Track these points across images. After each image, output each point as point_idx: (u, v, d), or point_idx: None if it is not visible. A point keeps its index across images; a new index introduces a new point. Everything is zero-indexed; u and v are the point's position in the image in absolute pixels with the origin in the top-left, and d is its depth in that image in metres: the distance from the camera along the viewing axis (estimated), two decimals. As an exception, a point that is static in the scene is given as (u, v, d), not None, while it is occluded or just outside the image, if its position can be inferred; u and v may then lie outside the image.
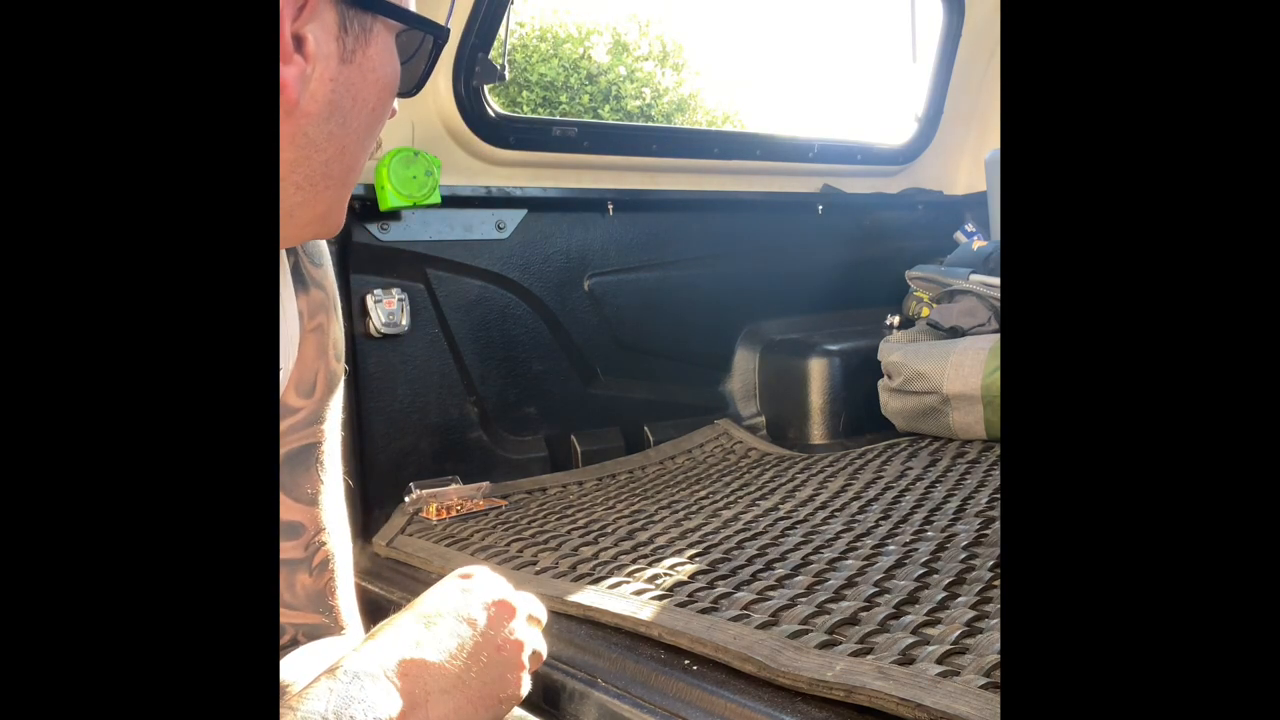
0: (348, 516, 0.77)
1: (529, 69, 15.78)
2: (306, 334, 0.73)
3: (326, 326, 0.74)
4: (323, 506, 0.73)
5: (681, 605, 1.12)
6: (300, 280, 0.73)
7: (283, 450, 0.71)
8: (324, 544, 0.73)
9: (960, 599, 1.09)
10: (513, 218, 1.95)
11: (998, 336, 2.00)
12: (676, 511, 1.60)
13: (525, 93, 15.77)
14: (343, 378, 0.77)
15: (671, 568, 1.27)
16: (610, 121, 11.29)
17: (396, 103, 0.66)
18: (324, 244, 0.76)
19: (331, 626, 0.73)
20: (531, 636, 0.74)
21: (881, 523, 1.44)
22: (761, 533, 1.43)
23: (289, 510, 0.71)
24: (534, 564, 1.36)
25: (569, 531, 1.51)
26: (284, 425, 0.71)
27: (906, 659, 0.93)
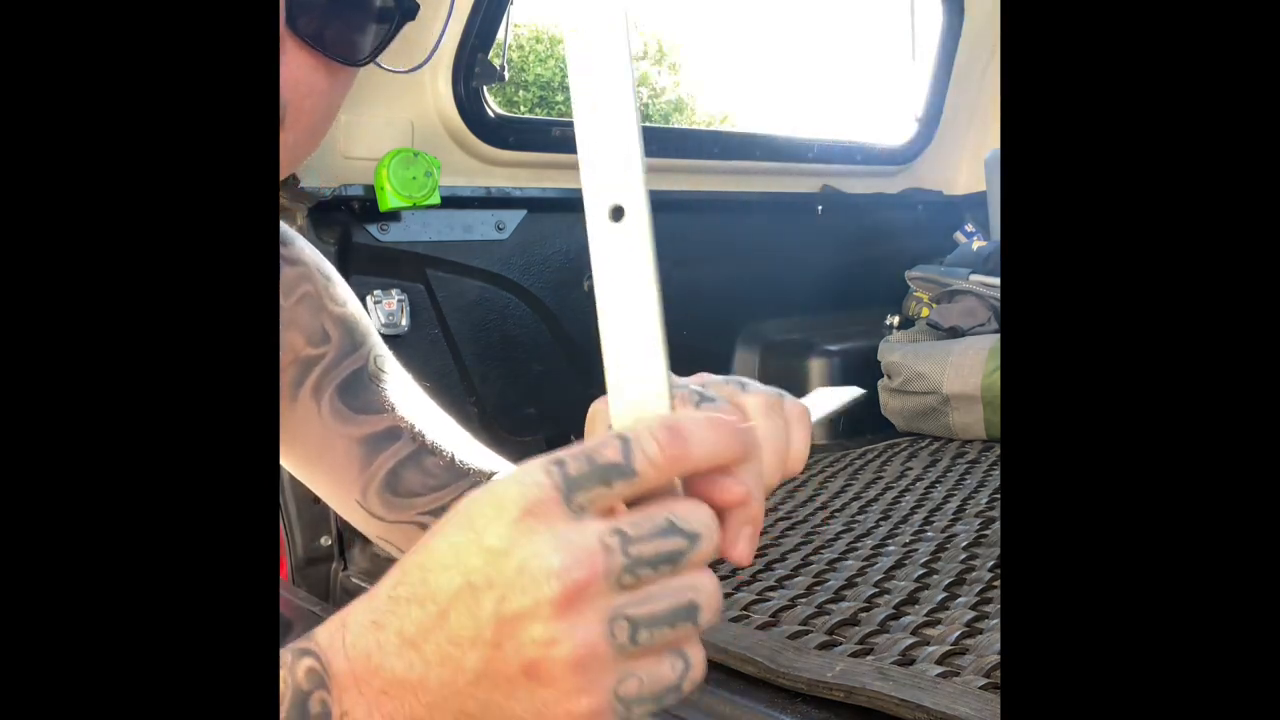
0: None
1: (525, 69, 15.77)
2: (292, 309, 0.77)
3: (312, 290, 0.79)
4: (404, 409, 0.79)
5: (681, 606, 1.12)
6: None
7: (336, 382, 0.77)
8: (425, 432, 0.78)
9: (960, 599, 1.09)
10: (512, 218, 1.95)
11: (998, 336, 2.00)
12: (676, 512, 1.59)
13: (521, 93, 15.75)
14: (364, 318, 0.82)
15: (671, 568, 1.27)
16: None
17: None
18: (283, 224, 0.80)
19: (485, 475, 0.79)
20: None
21: (881, 523, 1.44)
22: (761, 533, 1.43)
23: (376, 424, 0.76)
24: (534, 564, 1.36)
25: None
26: (319, 371, 0.77)
27: (906, 659, 0.93)
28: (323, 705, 0.40)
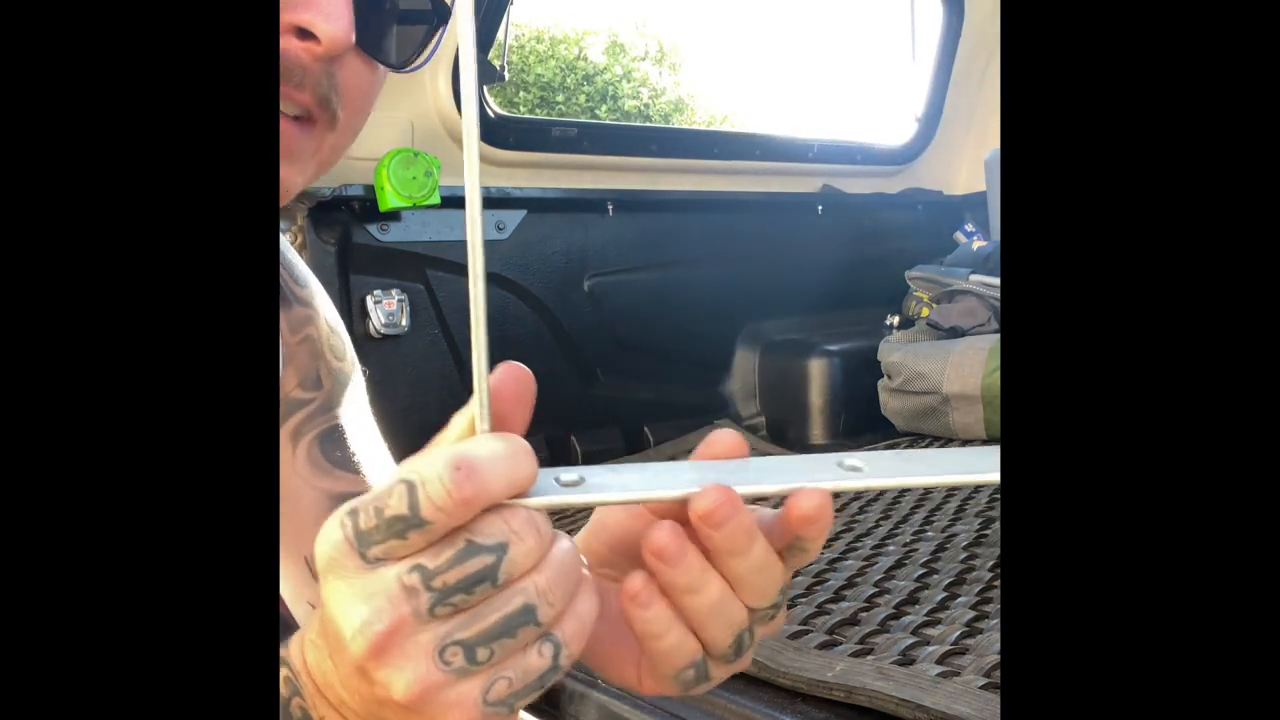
0: None
1: (526, 70, 15.78)
2: (294, 347, 0.76)
3: (315, 335, 0.78)
4: (377, 476, 0.77)
5: (682, 606, 1.12)
6: (284, 299, 0.76)
7: (318, 430, 0.75)
8: None
9: (960, 599, 1.09)
10: (512, 218, 1.95)
11: (998, 336, 2.00)
12: (676, 512, 1.59)
13: (522, 93, 15.76)
14: (356, 375, 0.80)
15: (671, 568, 1.27)
16: (610, 122, 11.28)
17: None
18: (304, 266, 0.81)
19: None
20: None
21: (881, 523, 1.44)
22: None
23: (352, 484, 0.74)
24: (534, 564, 1.36)
25: (569, 533, 1.51)
26: (303, 415, 0.75)
27: (906, 659, 0.93)
28: (302, 711, 0.43)
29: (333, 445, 0.75)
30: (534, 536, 0.37)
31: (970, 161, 2.71)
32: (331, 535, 0.37)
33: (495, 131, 1.92)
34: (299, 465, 0.75)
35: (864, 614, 1.06)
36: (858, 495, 1.62)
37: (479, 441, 0.37)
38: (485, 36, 1.85)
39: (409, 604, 0.36)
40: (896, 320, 2.30)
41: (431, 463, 0.36)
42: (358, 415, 0.79)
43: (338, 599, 0.37)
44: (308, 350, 0.77)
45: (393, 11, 0.60)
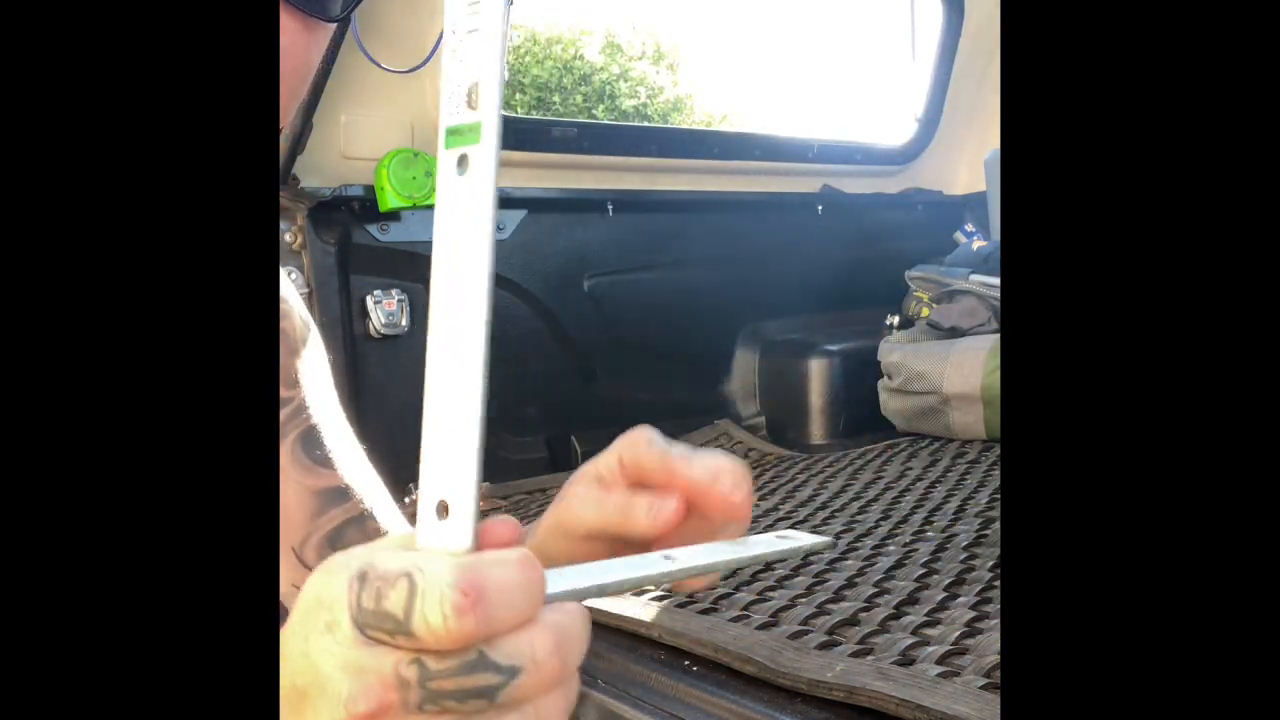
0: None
1: (522, 71, 15.78)
2: None
3: (289, 330, 0.79)
4: (356, 473, 0.79)
5: (681, 606, 1.12)
6: None
7: (300, 429, 0.76)
8: (370, 499, 0.79)
9: (960, 599, 1.09)
10: (512, 218, 1.95)
11: (998, 336, 2.00)
12: (676, 512, 1.59)
13: (518, 95, 15.75)
14: (318, 348, 0.82)
15: (671, 568, 1.27)
16: (609, 122, 11.27)
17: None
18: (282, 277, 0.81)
19: None
20: None
21: (881, 523, 1.44)
22: (761, 533, 1.43)
23: (332, 479, 0.76)
24: (534, 564, 1.36)
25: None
26: (284, 414, 0.76)
27: (906, 659, 0.93)
28: None
29: (313, 444, 0.77)
30: (555, 666, 0.34)
31: (970, 161, 2.71)
32: (336, 591, 0.34)
33: (495, 131, 1.91)
34: (282, 462, 0.76)
35: (864, 614, 1.06)
36: (857, 495, 1.62)
37: (492, 565, 0.34)
38: (485, 36, 1.85)
39: (399, 694, 0.33)
40: (896, 320, 2.30)
41: (439, 573, 0.33)
42: (325, 400, 0.80)
43: (330, 661, 0.34)
44: (285, 347, 0.78)
45: None
